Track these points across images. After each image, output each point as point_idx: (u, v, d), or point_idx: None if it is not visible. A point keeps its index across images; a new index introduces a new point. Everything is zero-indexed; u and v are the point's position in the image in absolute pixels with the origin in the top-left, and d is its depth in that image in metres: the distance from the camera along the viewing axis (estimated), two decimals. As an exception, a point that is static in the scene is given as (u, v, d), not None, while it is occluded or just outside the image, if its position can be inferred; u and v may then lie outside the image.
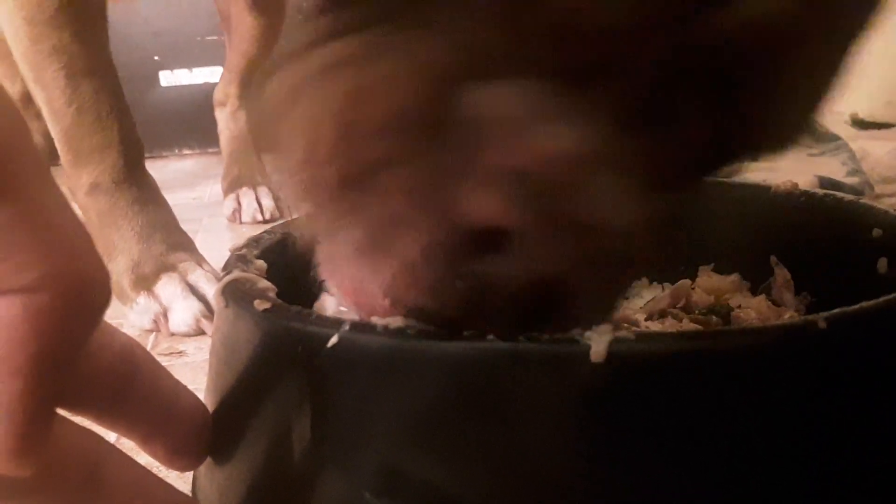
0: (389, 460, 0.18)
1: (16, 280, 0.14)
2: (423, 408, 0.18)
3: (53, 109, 0.51)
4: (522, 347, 0.17)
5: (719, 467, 0.17)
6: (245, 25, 0.88)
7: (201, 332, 0.51)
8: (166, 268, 0.52)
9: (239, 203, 0.87)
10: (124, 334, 0.20)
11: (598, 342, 0.16)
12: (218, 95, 0.93)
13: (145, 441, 0.20)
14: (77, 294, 0.15)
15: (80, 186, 0.53)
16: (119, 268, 0.53)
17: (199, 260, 0.54)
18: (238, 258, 0.27)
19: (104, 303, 0.16)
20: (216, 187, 0.94)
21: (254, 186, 0.88)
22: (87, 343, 0.16)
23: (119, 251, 0.53)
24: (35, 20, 0.48)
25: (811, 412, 0.17)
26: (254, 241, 0.29)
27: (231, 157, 0.91)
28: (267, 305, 0.21)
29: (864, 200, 0.30)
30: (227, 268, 0.25)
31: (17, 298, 0.14)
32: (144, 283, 0.52)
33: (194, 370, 0.45)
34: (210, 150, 0.97)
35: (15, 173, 0.14)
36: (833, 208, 0.30)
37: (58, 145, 0.53)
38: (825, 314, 0.17)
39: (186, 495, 0.21)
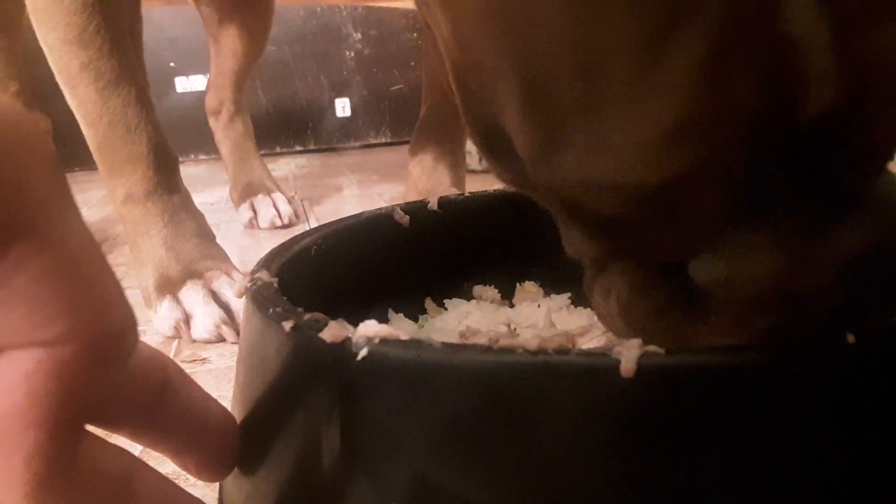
0: (419, 473, 0.18)
1: (40, 333, 0.14)
2: (452, 420, 0.18)
3: (87, 123, 0.52)
4: (552, 360, 0.17)
5: (749, 482, 0.16)
6: (234, 28, 0.88)
7: (222, 339, 0.51)
8: (192, 275, 0.53)
9: (255, 210, 0.87)
10: (153, 348, 0.20)
11: (627, 356, 0.16)
12: (211, 103, 0.92)
13: (176, 454, 0.21)
14: (101, 347, 0.14)
15: (116, 196, 0.55)
16: (147, 274, 0.54)
17: (229, 269, 0.55)
18: (264, 266, 0.27)
19: (129, 350, 0.15)
20: (233, 193, 0.94)
21: (269, 193, 0.89)
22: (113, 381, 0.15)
23: (149, 258, 0.54)
24: (65, 39, 0.49)
25: (841, 427, 0.17)
26: (278, 251, 0.29)
27: (236, 166, 0.92)
28: (296, 317, 0.21)
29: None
30: (254, 277, 0.26)
31: (40, 351, 0.14)
32: (170, 288, 0.53)
33: (217, 377, 0.45)
34: (222, 157, 0.98)
35: (44, 216, 0.14)
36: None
37: (94, 156, 0.54)
38: (854, 329, 0.17)
39: (212, 506, 0.21)
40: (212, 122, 0.93)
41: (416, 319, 0.36)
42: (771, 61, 0.14)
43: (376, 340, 0.18)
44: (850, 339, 0.17)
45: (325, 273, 0.32)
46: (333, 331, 0.19)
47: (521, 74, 0.16)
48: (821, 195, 0.17)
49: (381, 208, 0.37)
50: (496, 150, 0.19)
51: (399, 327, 0.34)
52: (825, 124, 0.15)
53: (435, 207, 0.37)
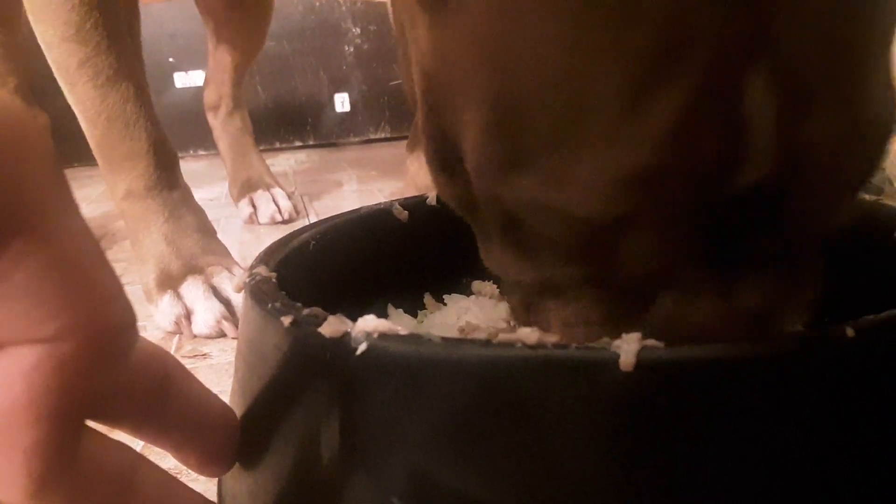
0: (418, 467, 0.18)
1: (39, 330, 0.14)
2: (451, 415, 0.18)
3: (86, 119, 0.52)
4: (551, 355, 0.17)
5: (748, 475, 0.16)
6: (233, 24, 0.88)
7: (223, 334, 0.51)
8: (193, 270, 0.53)
9: (254, 206, 0.87)
10: (154, 344, 0.20)
11: (626, 351, 0.16)
12: (210, 98, 0.92)
13: (177, 449, 0.21)
14: (101, 343, 0.14)
15: (116, 192, 0.55)
16: (148, 269, 0.54)
17: (230, 264, 0.55)
18: (263, 261, 0.27)
19: (129, 346, 0.15)
20: (232, 188, 0.94)
21: (268, 188, 0.89)
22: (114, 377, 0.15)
23: (150, 254, 0.54)
24: (63, 36, 0.49)
25: (839, 421, 0.17)
26: (276, 246, 0.29)
27: (235, 162, 0.91)
28: (295, 312, 0.21)
29: (883, 199, 0.30)
30: (253, 272, 0.26)
31: (40, 348, 0.14)
32: (171, 283, 0.53)
33: (218, 372, 0.45)
34: (220, 153, 0.98)
35: (43, 211, 0.14)
36: (854, 208, 0.29)
37: (94, 153, 0.54)
38: (853, 322, 0.17)
39: (212, 501, 0.22)
40: (210, 118, 0.93)
41: (415, 315, 0.36)
42: (727, 129, 0.16)
43: (375, 335, 0.18)
44: (850, 332, 0.17)
45: (324, 268, 0.32)
46: (332, 326, 0.19)
47: (496, 100, 0.17)
48: (740, 257, 0.18)
49: (379, 203, 0.37)
50: (446, 163, 0.20)
51: (398, 323, 0.34)
52: (758, 194, 0.17)
53: (434, 203, 0.37)
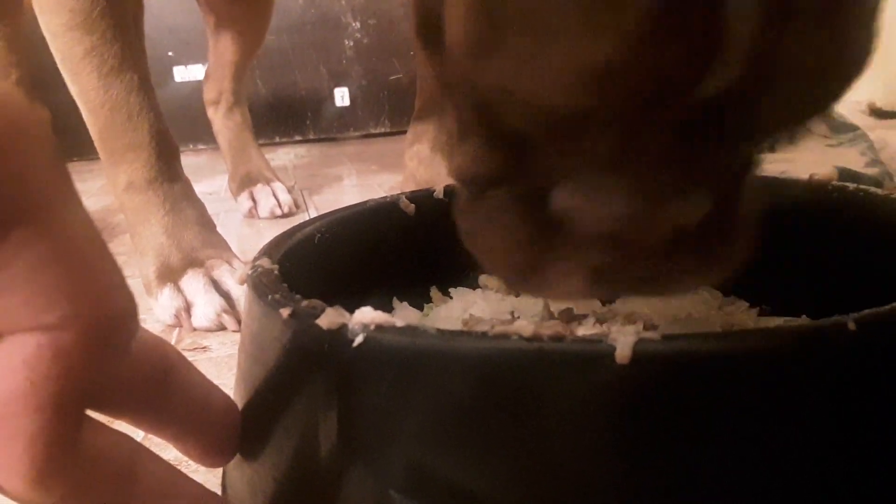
0: (415, 459, 0.18)
1: (41, 318, 0.14)
2: (448, 407, 0.18)
3: (89, 110, 0.52)
4: (547, 347, 0.17)
5: (746, 470, 0.16)
6: (233, 19, 0.88)
7: (222, 328, 0.51)
8: (193, 263, 0.53)
9: (254, 200, 0.87)
10: (155, 335, 0.20)
11: (623, 343, 0.16)
12: (210, 94, 0.92)
13: (178, 439, 0.21)
14: (103, 332, 0.14)
15: (117, 184, 0.55)
16: (148, 262, 0.54)
17: (229, 257, 0.55)
18: (266, 254, 0.27)
19: (130, 336, 0.15)
20: (232, 182, 0.94)
21: (268, 183, 0.89)
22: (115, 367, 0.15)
23: (150, 247, 0.54)
24: (69, 25, 0.49)
25: (840, 415, 0.17)
26: (280, 239, 0.29)
27: (235, 156, 0.91)
28: (293, 304, 0.21)
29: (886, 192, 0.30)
30: (255, 264, 0.26)
31: (41, 336, 0.14)
32: (171, 276, 0.53)
33: (218, 366, 0.45)
34: (220, 147, 0.98)
35: (44, 202, 0.14)
36: (862, 202, 0.29)
37: (96, 144, 0.54)
38: (855, 315, 0.17)
39: (213, 492, 0.22)
40: (210, 113, 0.93)
41: (421, 308, 0.37)
42: (703, 28, 0.16)
43: (372, 327, 0.19)
44: (852, 325, 0.17)
45: (330, 261, 0.32)
46: (330, 317, 0.19)
47: None
48: (685, 164, 0.18)
49: (385, 196, 0.37)
50: (431, 39, 0.20)
51: (404, 316, 0.34)
52: (715, 102, 0.17)
53: (441, 196, 0.37)
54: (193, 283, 0.52)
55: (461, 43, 0.18)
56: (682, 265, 0.19)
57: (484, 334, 0.18)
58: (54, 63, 0.52)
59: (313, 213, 0.82)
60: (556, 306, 0.36)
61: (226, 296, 0.52)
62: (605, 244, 0.19)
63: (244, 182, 0.89)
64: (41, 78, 0.86)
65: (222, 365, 0.45)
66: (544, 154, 0.19)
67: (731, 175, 0.19)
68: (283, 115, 1.55)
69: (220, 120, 0.92)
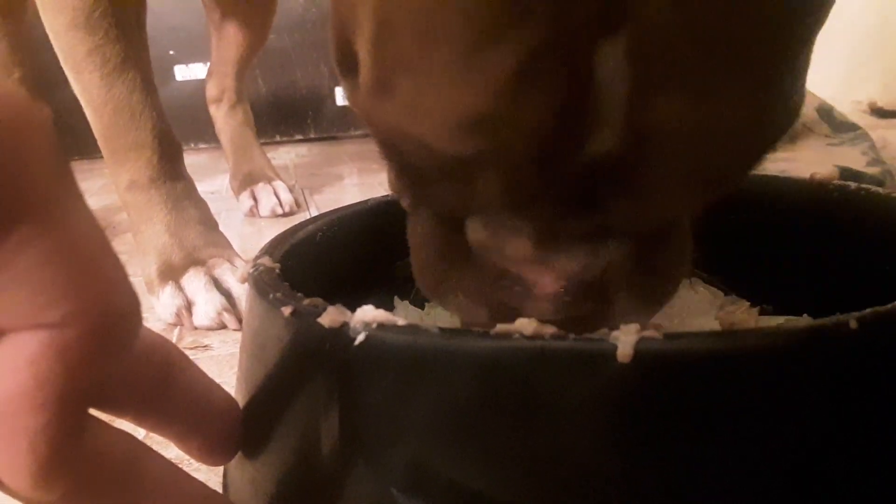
0: (417, 457, 0.18)
1: (43, 315, 0.14)
2: (450, 406, 0.18)
3: (92, 109, 0.52)
4: (549, 346, 0.17)
5: (747, 469, 0.16)
6: (236, 17, 0.88)
7: (223, 326, 0.52)
8: (195, 262, 0.53)
9: (255, 199, 0.87)
10: (157, 334, 0.20)
11: (624, 342, 0.16)
12: (212, 91, 0.92)
13: (180, 438, 0.21)
14: (105, 329, 0.14)
15: (119, 183, 0.55)
16: (150, 260, 0.54)
17: (231, 256, 0.55)
18: (267, 253, 0.27)
19: (133, 333, 0.15)
20: (233, 182, 0.94)
21: (269, 181, 0.89)
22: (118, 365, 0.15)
23: (152, 245, 0.54)
24: (72, 24, 0.49)
25: (841, 414, 0.17)
26: (282, 238, 0.29)
27: (236, 155, 0.91)
28: (295, 303, 0.21)
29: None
30: (256, 262, 0.26)
31: (44, 334, 0.14)
32: (172, 274, 0.53)
33: (219, 364, 0.45)
34: (222, 146, 0.98)
35: (46, 199, 0.14)
36: (863, 201, 0.29)
37: (99, 143, 0.54)
38: (857, 314, 0.17)
39: (215, 490, 0.22)
40: (212, 111, 0.93)
41: (422, 307, 0.37)
42: (572, 90, 0.16)
43: (374, 325, 0.19)
44: (853, 324, 0.16)
45: (331, 260, 0.32)
46: (331, 316, 0.19)
47: (376, 12, 0.18)
48: (584, 217, 0.19)
49: (387, 195, 0.37)
50: (348, 74, 0.21)
51: (405, 315, 0.34)
52: (602, 164, 0.17)
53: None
54: (194, 281, 0.52)
55: (363, 82, 0.19)
56: (578, 307, 0.21)
57: (486, 333, 0.18)
58: (57, 62, 0.52)
59: (314, 212, 0.82)
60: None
61: (227, 294, 0.52)
62: (509, 279, 0.21)
63: (246, 181, 0.89)
64: (44, 77, 0.86)
65: (223, 363, 0.45)
66: (446, 188, 0.20)
67: (648, 228, 0.20)
68: (283, 114, 1.55)
69: (223, 118, 0.92)
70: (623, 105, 0.16)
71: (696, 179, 0.18)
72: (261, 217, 0.86)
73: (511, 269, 0.21)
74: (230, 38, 0.89)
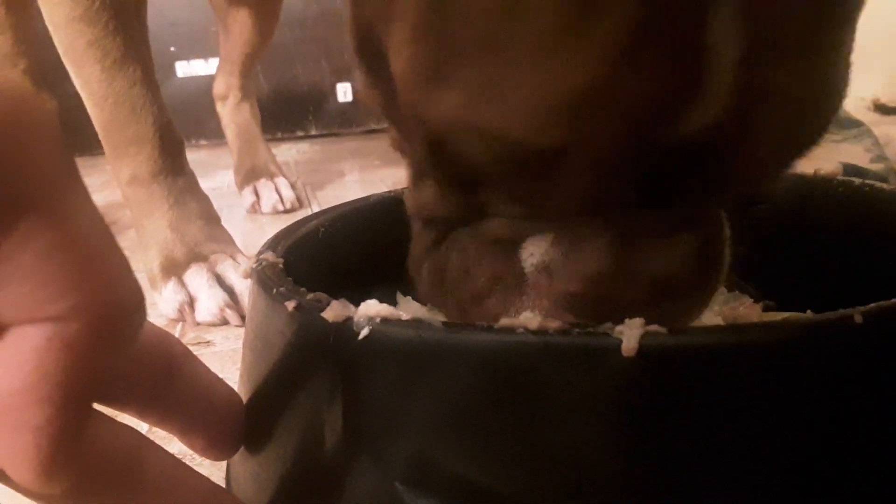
0: (420, 451, 0.18)
1: (48, 309, 0.14)
2: (454, 400, 0.18)
3: (93, 103, 0.52)
4: (553, 340, 0.17)
5: (751, 463, 0.17)
6: (243, 14, 0.88)
7: (226, 322, 0.52)
8: (197, 257, 0.53)
9: (257, 195, 0.87)
10: (160, 329, 0.20)
11: (629, 336, 0.16)
12: (219, 89, 0.92)
13: (183, 432, 0.21)
14: (109, 323, 0.14)
15: (121, 178, 0.55)
16: (152, 256, 0.54)
17: (233, 252, 0.55)
18: (270, 248, 0.27)
19: (137, 327, 0.15)
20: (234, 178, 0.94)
21: (272, 178, 0.89)
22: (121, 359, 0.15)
23: (154, 240, 0.54)
24: (71, 16, 0.49)
25: (845, 408, 0.17)
26: (284, 233, 0.29)
27: (241, 150, 0.92)
28: (299, 297, 0.21)
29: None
30: (259, 257, 0.26)
31: (48, 327, 0.14)
32: (175, 270, 0.53)
33: (222, 360, 0.45)
34: (227, 141, 0.99)
35: (50, 191, 0.14)
36: (867, 197, 0.29)
37: (100, 137, 0.54)
38: (862, 308, 0.17)
39: (217, 485, 0.22)
40: (218, 107, 0.93)
41: (424, 302, 0.37)
42: (682, 59, 0.14)
43: (378, 320, 0.19)
44: (858, 318, 0.16)
45: (334, 256, 0.32)
46: (335, 310, 0.19)
47: None
48: (664, 211, 0.17)
49: (390, 191, 0.37)
50: (372, 62, 0.18)
51: (408, 310, 0.34)
52: (700, 138, 0.16)
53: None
54: (197, 277, 0.52)
55: (409, 71, 0.16)
56: (651, 313, 0.18)
57: (490, 327, 0.18)
58: (58, 58, 0.52)
59: (316, 209, 0.82)
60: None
61: (229, 290, 0.52)
62: (579, 301, 0.18)
63: (248, 176, 0.89)
64: (45, 73, 0.86)
65: (226, 359, 0.45)
66: (508, 197, 0.17)
67: (718, 220, 0.18)
68: (285, 111, 1.55)
69: (228, 115, 0.92)
70: (734, 68, 0.15)
71: (791, 146, 0.17)
72: (262, 213, 0.86)
73: (584, 289, 0.18)
74: (236, 36, 0.89)
